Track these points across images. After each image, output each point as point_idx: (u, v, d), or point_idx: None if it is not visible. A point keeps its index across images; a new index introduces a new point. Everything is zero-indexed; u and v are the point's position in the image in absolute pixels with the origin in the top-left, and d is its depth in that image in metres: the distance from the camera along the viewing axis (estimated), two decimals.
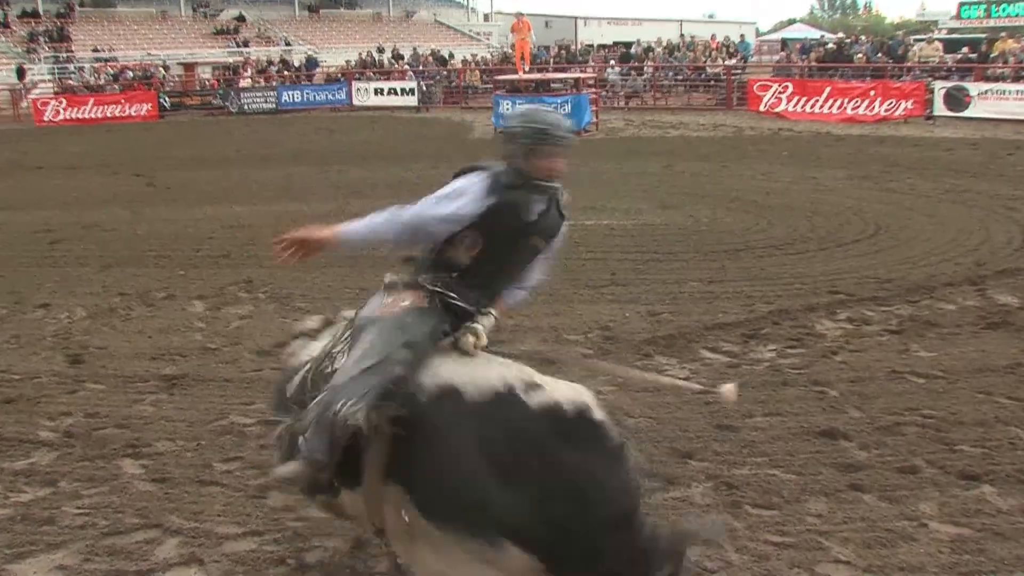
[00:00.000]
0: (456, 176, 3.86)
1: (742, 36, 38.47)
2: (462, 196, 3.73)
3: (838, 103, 25.79)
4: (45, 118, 32.61)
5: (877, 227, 11.69)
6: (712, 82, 31.15)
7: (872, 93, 25.49)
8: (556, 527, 3.31)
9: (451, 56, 39.42)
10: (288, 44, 47.02)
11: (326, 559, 4.61)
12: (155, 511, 5.05)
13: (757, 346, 7.55)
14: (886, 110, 25.11)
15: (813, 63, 29.46)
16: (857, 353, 7.33)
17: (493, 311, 3.87)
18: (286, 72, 38.12)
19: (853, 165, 17.24)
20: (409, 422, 3.47)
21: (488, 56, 41.14)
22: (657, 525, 3.57)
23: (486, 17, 61.09)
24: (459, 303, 3.76)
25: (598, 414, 3.49)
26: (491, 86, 29.05)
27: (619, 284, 9.42)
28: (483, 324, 3.79)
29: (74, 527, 4.92)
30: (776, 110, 26.85)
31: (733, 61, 31.78)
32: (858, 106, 25.49)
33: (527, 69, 26.80)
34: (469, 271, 3.78)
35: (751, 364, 7.17)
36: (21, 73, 36.78)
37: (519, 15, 27.08)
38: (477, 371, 3.59)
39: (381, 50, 39.88)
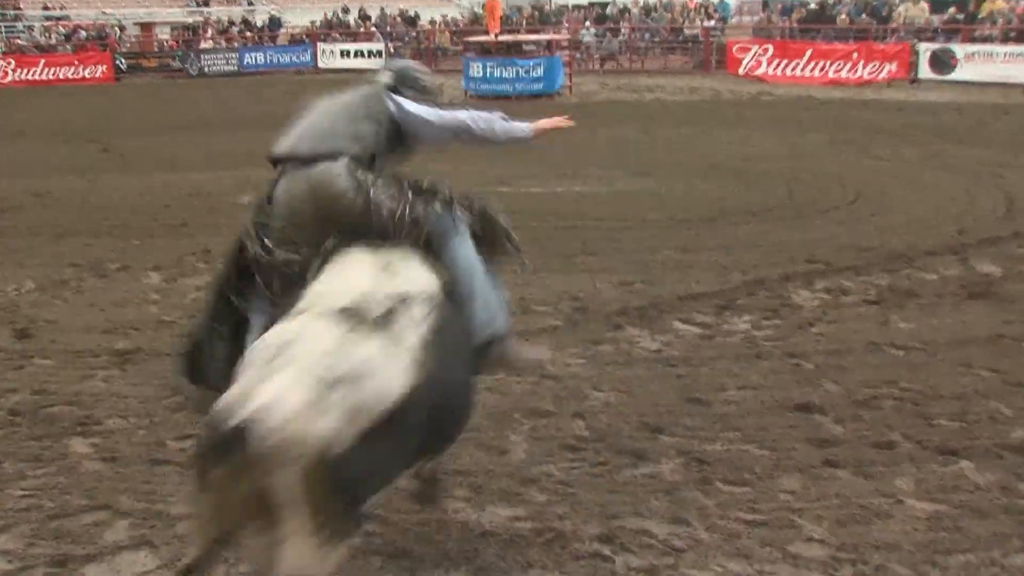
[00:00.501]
0: (387, 93, 4.39)
1: None
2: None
3: (820, 66, 25.77)
4: None
5: (858, 194, 11.73)
6: (690, 44, 31.04)
7: (855, 55, 25.48)
8: None
9: (418, 17, 39.08)
10: (251, 3, 46.43)
11: None
12: (104, 492, 4.99)
13: (731, 317, 7.55)
14: (869, 73, 25.13)
15: (795, 24, 29.41)
16: (834, 324, 7.35)
17: None
18: (248, 33, 37.64)
19: (835, 130, 17.28)
20: None
21: (458, 17, 40.82)
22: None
23: None
24: None
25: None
26: (461, 48, 28.85)
27: (590, 253, 9.39)
28: None
29: (18, 509, 4.85)
30: (756, 73, 26.78)
31: (712, 22, 31.69)
32: (840, 69, 25.48)
33: (499, 31, 26.49)
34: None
35: (725, 336, 7.18)
36: None
37: None
38: None
39: (346, 10, 39.47)
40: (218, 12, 42.54)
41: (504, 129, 4.49)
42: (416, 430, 3.39)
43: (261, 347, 3.34)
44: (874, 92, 23.71)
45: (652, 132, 17.51)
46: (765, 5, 37.91)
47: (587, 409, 5.85)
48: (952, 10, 27.79)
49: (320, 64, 33.90)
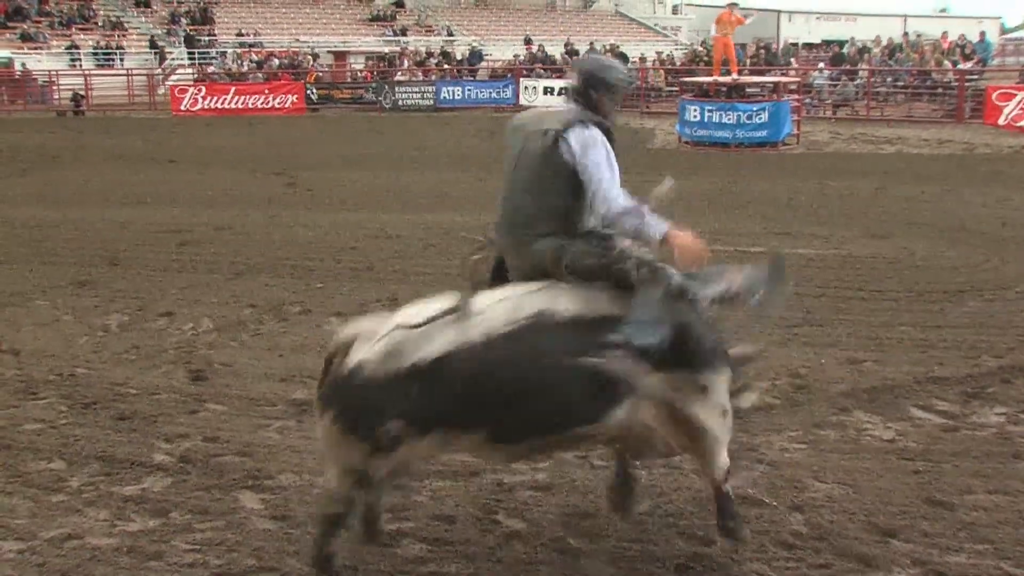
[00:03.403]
0: (562, 138, 4.81)
1: (982, 34, 37.03)
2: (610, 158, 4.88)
3: None
4: (182, 107, 34.38)
5: None
6: (940, 89, 30.09)
7: None
8: None
9: (641, 57, 39.43)
10: (450, 34, 48.06)
11: None
12: (273, 553, 5.16)
13: (981, 407, 7.19)
14: None
15: None
16: None
17: None
18: (446, 65, 38.96)
19: None
20: None
21: (675, 54, 41.00)
22: None
23: (675, 9, 61.00)
24: None
25: None
26: (677, 89, 28.89)
27: (815, 324, 9.16)
28: None
29: (183, 564, 5.07)
30: (1020, 124, 25.70)
31: (968, 65, 30.66)
32: None
33: (728, 72, 25.73)
34: None
35: (973, 429, 6.83)
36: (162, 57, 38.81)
37: (732, 5, 25.59)
38: None
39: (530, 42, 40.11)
40: (415, 42, 44.19)
41: (635, 228, 4.86)
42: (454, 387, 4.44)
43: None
44: None
45: (891, 189, 17.01)
46: None
47: (807, 502, 5.67)
48: None
49: (522, 101, 34.65)
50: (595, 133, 4.84)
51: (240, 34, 43.39)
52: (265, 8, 48.13)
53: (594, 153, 4.80)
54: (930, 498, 5.71)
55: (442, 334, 4.50)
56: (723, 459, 4.86)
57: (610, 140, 4.90)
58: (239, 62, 38.53)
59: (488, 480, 5.94)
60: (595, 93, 4.95)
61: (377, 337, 4.53)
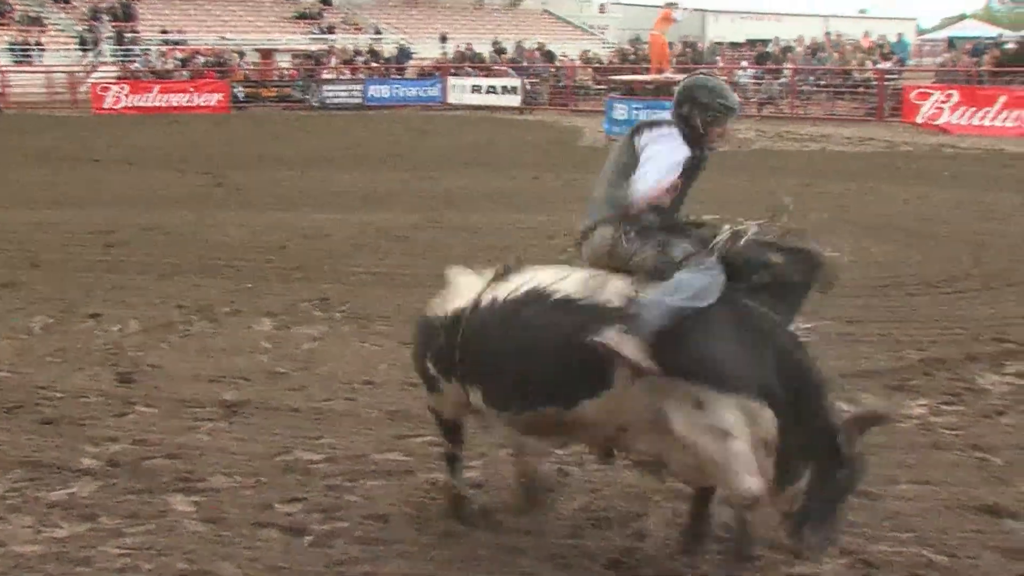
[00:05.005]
0: (642, 130, 5.10)
1: (899, 35, 37.79)
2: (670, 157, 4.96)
3: (1015, 115, 25.08)
4: (105, 105, 33.76)
5: None
6: (861, 88, 30.61)
7: None
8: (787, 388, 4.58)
9: (564, 55, 39.54)
10: (378, 32, 47.80)
11: None
12: (205, 556, 5.11)
13: (905, 400, 7.33)
14: None
15: (986, 67, 28.69)
16: None
17: None
18: (374, 64, 38.74)
19: None
20: None
21: (602, 53, 41.21)
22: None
23: (601, 8, 61.18)
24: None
25: None
26: (604, 87, 29.04)
27: None
28: None
29: (113, 570, 5.00)
30: (937, 122, 26.22)
31: (887, 64, 31.21)
32: None
33: (661, 70, 25.80)
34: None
35: (897, 420, 6.96)
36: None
37: (671, 5, 25.88)
38: None
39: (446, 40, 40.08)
40: (343, 40, 43.87)
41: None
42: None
43: None
44: None
45: (815, 186, 17.23)
46: (951, 45, 37.22)
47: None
48: None
49: (450, 99, 34.64)
50: (675, 135, 5.00)
51: (164, 31, 42.76)
52: (189, 5, 47.42)
53: (658, 146, 4.98)
54: (857, 490, 5.80)
55: (470, 293, 5.09)
56: (737, 485, 4.59)
57: (697, 161, 5.06)
58: (163, 60, 37.97)
59: (422, 479, 5.94)
60: (686, 108, 5.00)
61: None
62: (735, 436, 4.52)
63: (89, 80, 36.06)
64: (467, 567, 4.98)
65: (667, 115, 5.16)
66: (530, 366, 4.73)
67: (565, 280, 4.83)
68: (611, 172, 5.10)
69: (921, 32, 62.06)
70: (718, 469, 4.59)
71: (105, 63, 38.63)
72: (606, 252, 4.92)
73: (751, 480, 4.52)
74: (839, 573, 4.96)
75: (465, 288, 5.16)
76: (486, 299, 4.97)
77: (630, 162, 4.99)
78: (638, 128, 5.14)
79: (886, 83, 29.57)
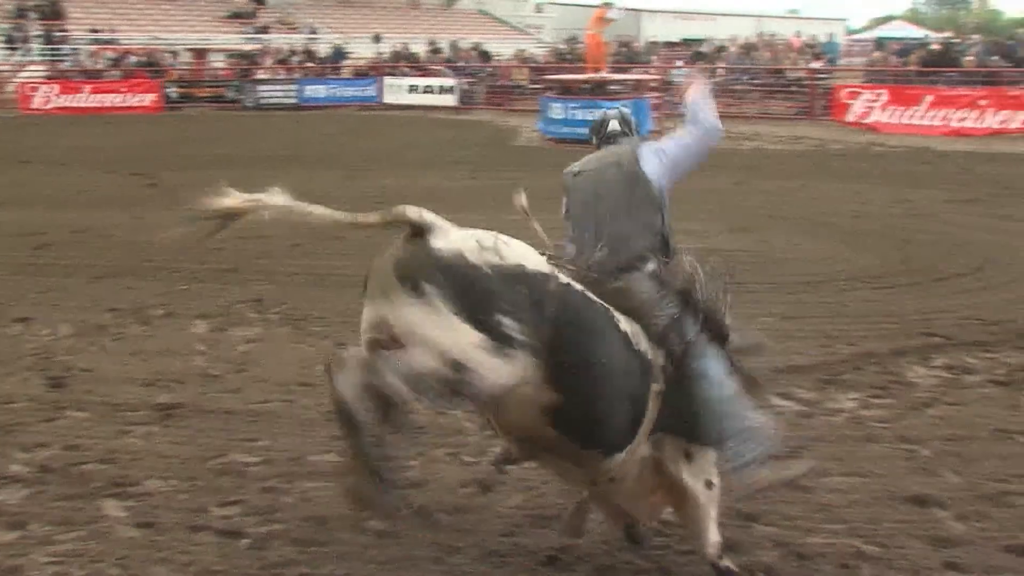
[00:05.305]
0: (639, 155, 5.16)
1: (830, 35, 38.45)
2: None
3: (941, 114, 25.49)
4: (33, 105, 33.13)
5: (984, 260, 11.53)
6: (793, 88, 30.98)
7: (983, 103, 25.17)
8: None
9: (499, 55, 39.57)
10: (313, 32, 47.48)
11: None
12: (138, 561, 5.06)
13: (836, 393, 7.46)
14: (1000, 122, 24.74)
15: (913, 67, 29.18)
16: (955, 407, 7.21)
17: None
18: (310, 64, 38.47)
19: (957, 187, 17.06)
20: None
21: (538, 52, 41.28)
22: None
23: (537, 8, 61.33)
24: None
25: None
26: (540, 87, 29.10)
27: None
28: None
29: None
30: (866, 121, 26.59)
31: (818, 64, 31.62)
32: (965, 118, 25.15)
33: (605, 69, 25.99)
34: None
35: (828, 414, 7.08)
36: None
37: (607, 4, 25.97)
38: None
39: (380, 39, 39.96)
40: (278, 40, 43.50)
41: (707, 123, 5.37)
42: None
43: None
44: (1005, 144, 23.30)
45: (749, 184, 17.46)
46: (879, 45, 37.79)
47: None
48: None
49: (386, 99, 34.47)
50: (655, 144, 5.26)
51: (94, 30, 42.07)
52: (120, 3, 46.68)
53: (660, 146, 5.23)
54: (790, 482, 5.88)
55: (535, 256, 4.54)
56: (713, 534, 4.73)
57: None
58: (94, 59, 37.36)
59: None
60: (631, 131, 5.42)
61: None
62: (717, 486, 4.73)
63: (16, 79, 35.38)
64: (404, 567, 4.98)
65: (620, 147, 5.29)
66: (601, 398, 4.33)
67: (617, 312, 4.51)
68: (623, 205, 5.04)
69: (851, 33, 62.93)
70: (701, 514, 4.72)
71: (33, 62, 37.93)
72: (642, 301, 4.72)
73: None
74: (772, 565, 5.02)
75: (519, 246, 4.30)
76: (567, 281, 4.38)
77: (647, 189, 5.08)
78: (635, 159, 5.14)
79: (817, 82, 29.95)
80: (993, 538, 5.28)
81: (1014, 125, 24.57)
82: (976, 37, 31.88)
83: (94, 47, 39.02)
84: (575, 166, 5.31)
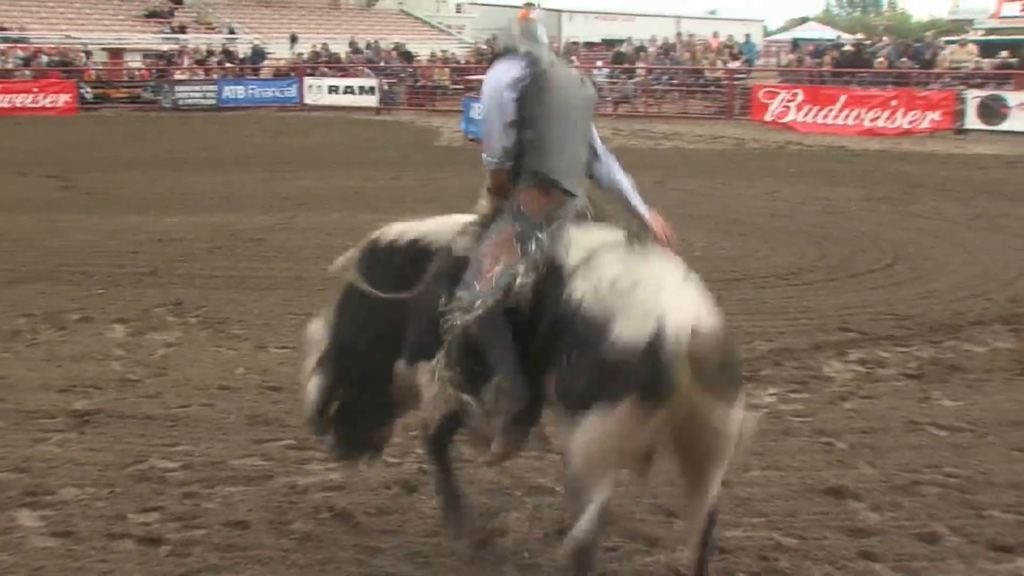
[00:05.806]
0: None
1: (747, 36, 38.87)
2: None
3: (855, 114, 26.02)
4: None
5: (896, 256, 11.77)
6: (712, 88, 31.37)
7: (894, 103, 25.74)
8: None
9: (418, 56, 39.45)
10: (232, 32, 46.96)
11: None
12: (55, 572, 4.94)
13: (755, 389, 7.52)
14: (910, 122, 25.33)
15: (827, 68, 29.70)
16: (870, 400, 7.33)
17: None
18: (228, 64, 38.04)
19: (870, 185, 17.40)
20: None
21: (459, 52, 41.26)
22: None
23: (458, 8, 61.36)
24: None
25: None
26: (462, 87, 29.10)
27: None
28: None
29: None
30: (783, 120, 27.04)
31: (736, 64, 32.03)
32: (877, 117, 25.70)
33: None
34: None
35: (748, 409, 7.14)
36: None
37: (529, 5, 26.21)
38: None
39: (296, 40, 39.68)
40: (196, 40, 42.97)
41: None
42: None
43: None
44: (915, 143, 23.88)
45: (669, 183, 17.58)
46: (795, 46, 38.36)
47: None
48: (1004, 54, 27.91)
49: (306, 100, 34.27)
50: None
51: (3, 28, 41.11)
52: (30, 1, 45.73)
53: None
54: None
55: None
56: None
57: None
58: (3, 59, 36.52)
59: (281, 483, 5.87)
60: None
61: None
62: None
63: None
64: (327, 570, 4.93)
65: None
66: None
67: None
68: (586, 129, 5.09)
69: (768, 34, 63.88)
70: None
71: None
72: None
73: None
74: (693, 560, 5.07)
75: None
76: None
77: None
78: (590, 82, 5.20)
79: (735, 82, 30.37)
80: (905, 527, 5.38)
81: (923, 125, 25.14)
82: (886, 39, 32.46)
83: (2, 45, 38.15)
84: (547, 72, 4.88)
